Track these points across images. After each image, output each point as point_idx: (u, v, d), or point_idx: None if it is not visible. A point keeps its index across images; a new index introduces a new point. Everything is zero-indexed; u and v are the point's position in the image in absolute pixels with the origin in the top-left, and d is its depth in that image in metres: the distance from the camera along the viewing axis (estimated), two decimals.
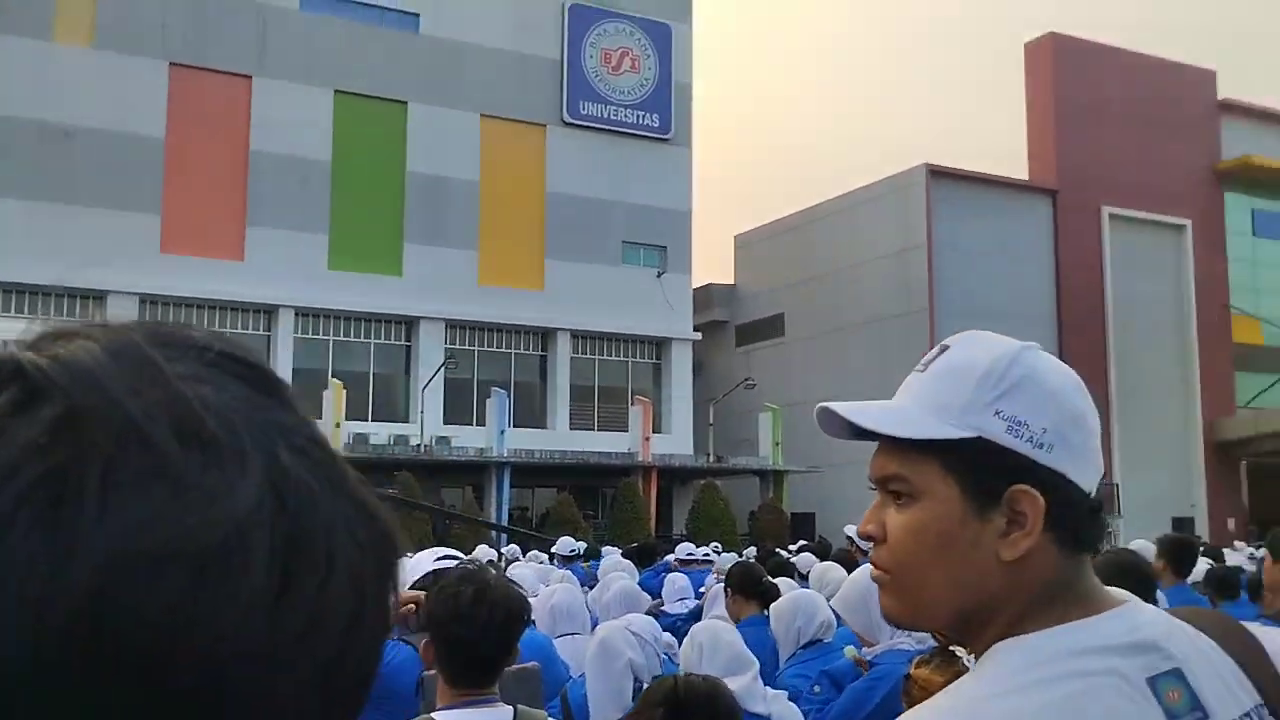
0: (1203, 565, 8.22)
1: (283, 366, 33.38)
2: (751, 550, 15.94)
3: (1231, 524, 40.93)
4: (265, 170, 33.69)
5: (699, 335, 40.84)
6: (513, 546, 18.64)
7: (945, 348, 1.21)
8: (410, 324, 35.73)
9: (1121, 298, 42.45)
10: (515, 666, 2.90)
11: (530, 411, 37.00)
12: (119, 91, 31.78)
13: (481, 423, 34.46)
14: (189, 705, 0.40)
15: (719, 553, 13.99)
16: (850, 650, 4.12)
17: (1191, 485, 42.82)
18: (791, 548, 15.63)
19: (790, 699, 4.33)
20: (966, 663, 1.95)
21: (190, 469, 0.41)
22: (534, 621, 5.42)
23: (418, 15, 36.62)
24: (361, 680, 0.48)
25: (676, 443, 37.79)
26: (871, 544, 1.21)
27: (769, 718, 3.32)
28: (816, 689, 4.10)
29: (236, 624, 0.41)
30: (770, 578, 5.88)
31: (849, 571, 5.43)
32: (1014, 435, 1.12)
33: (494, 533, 28.14)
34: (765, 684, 4.57)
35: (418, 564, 4.10)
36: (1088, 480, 1.15)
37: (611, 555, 11.75)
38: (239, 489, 0.42)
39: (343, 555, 0.46)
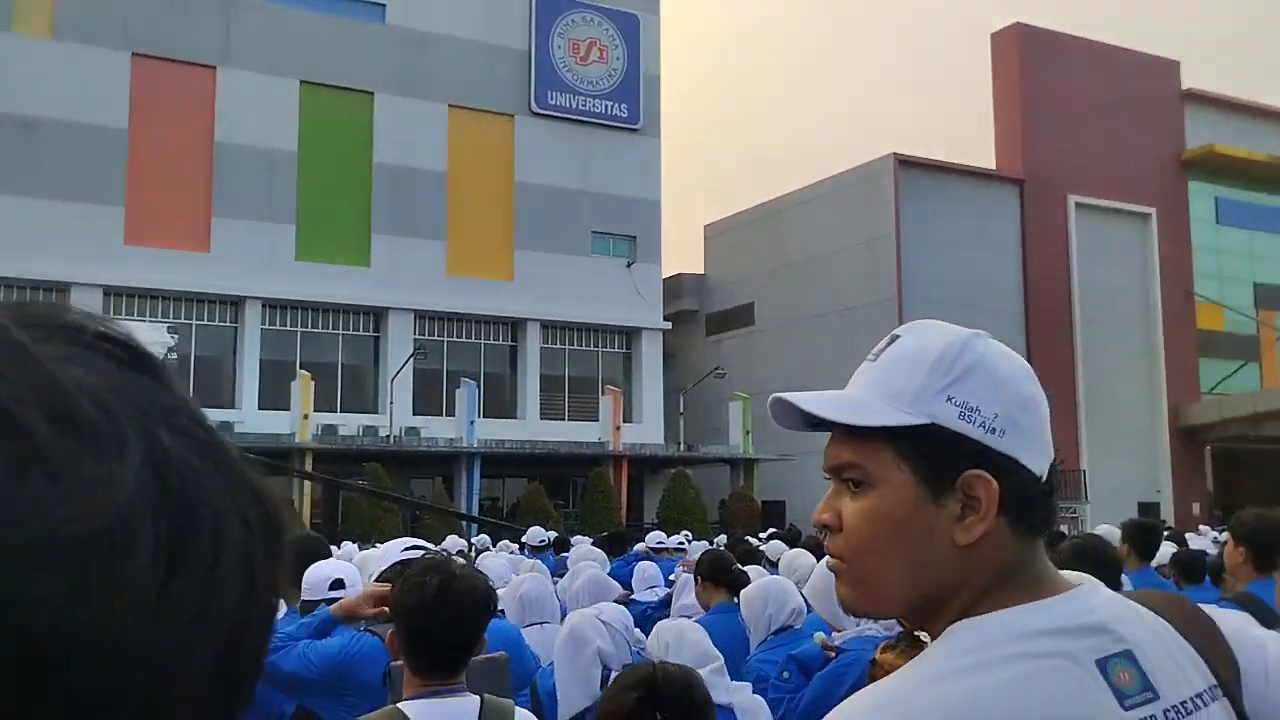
0: (1168, 549, 8.31)
1: (250, 358, 33.21)
2: (722, 538, 15.99)
3: (1196, 508, 41.44)
4: (231, 161, 33.39)
5: (669, 325, 40.86)
6: (483, 537, 18.61)
7: (895, 337, 1.22)
8: (379, 315, 35.55)
9: (1088, 286, 42.81)
10: (482, 656, 2.89)
11: (500, 402, 36.93)
12: (81, 82, 31.40)
13: (451, 413, 34.36)
14: (78, 705, 0.39)
15: (690, 541, 14.00)
16: (819, 636, 4.13)
17: (1157, 471, 43.28)
18: (762, 535, 15.68)
19: (759, 683, 4.34)
20: None
21: (66, 455, 0.39)
22: (503, 612, 5.41)
23: (384, 5, 36.38)
24: (255, 661, 0.47)
25: (647, 432, 37.83)
26: (827, 533, 1.21)
27: (731, 708, 3.32)
28: (785, 675, 4.10)
29: (123, 617, 0.39)
30: (740, 565, 5.89)
31: (818, 559, 5.45)
32: (966, 421, 1.13)
33: (464, 523, 28.08)
34: (735, 670, 4.58)
35: (385, 554, 4.09)
36: (1039, 464, 1.15)
37: (582, 544, 11.74)
38: (118, 475, 0.41)
39: (231, 538, 0.44)
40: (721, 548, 9.34)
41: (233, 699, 0.45)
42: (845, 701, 1.11)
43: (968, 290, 40.30)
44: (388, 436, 32.40)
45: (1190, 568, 6.91)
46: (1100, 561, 3.80)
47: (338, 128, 35.20)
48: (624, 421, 35.70)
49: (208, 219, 33.14)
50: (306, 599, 4.16)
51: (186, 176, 32.95)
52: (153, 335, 25.97)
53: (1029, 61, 42.49)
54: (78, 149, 31.25)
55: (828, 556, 1.24)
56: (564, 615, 5.43)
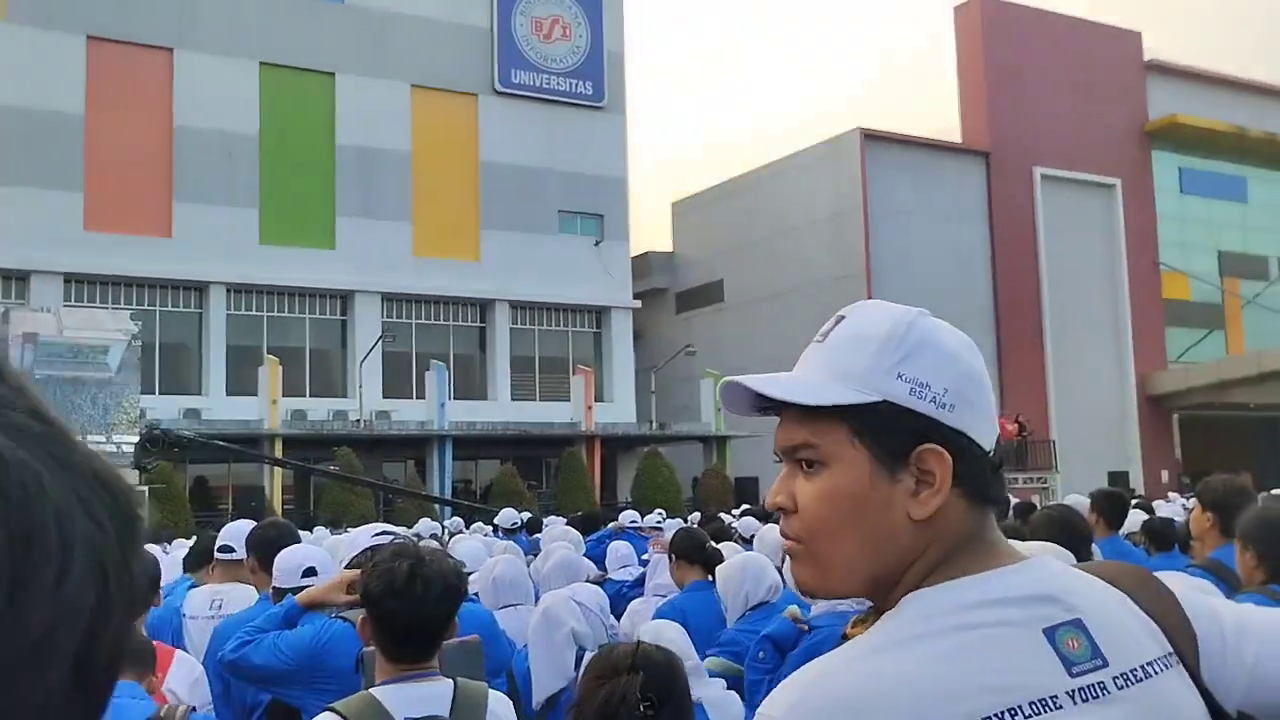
0: (1138, 517, 8.38)
1: (216, 344, 32.93)
2: (695, 516, 16.01)
3: (1165, 476, 41.95)
4: (191, 145, 33.01)
5: (639, 303, 40.83)
6: (456, 519, 18.59)
7: (841, 318, 1.24)
8: (345, 298, 35.32)
9: (1054, 257, 43.12)
10: (455, 640, 2.88)
11: (470, 383, 36.82)
12: (35, 66, 30.92)
13: (421, 396, 34.23)
14: None
15: (664, 519, 14.02)
16: (791, 610, 4.13)
17: (1126, 439, 43.74)
18: (735, 512, 15.71)
19: (737, 655, 4.34)
20: None
21: None
22: (477, 595, 5.39)
23: None
24: (114, 659, 0.45)
25: (619, 411, 37.85)
26: (782, 515, 1.22)
27: (700, 703, 3.30)
28: (761, 655, 4.11)
29: None
30: (713, 543, 5.88)
31: None
32: (917, 397, 1.15)
33: (437, 506, 28.03)
34: (710, 643, 4.59)
35: (355, 540, 4.06)
36: (987, 438, 1.18)
37: (555, 525, 11.73)
38: None
39: (80, 538, 0.42)
40: (694, 525, 9.35)
41: (92, 700, 0.44)
42: (785, 680, 1.11)
43: (936, 263, 40.52)
44: (358, 421, 32.25)
45: (1160, 535, 6.99)
46: (1071, 532, 3.82)
47: (299, 109, 34.86)
48: (595, 401, 35.69)
49: (169, 204, 32.77)
50: (278, 586, 4.12)
51: (146, 161, 32.54)
52: (117, 323, 25.62)
53: (992, 34, 42.62)
54: (34, 134, 30.79)
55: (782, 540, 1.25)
56: (538, 597, 5.41)
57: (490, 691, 2.82)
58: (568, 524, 11.46)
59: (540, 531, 12.18)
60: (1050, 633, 1.09)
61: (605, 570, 8.23)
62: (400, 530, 5.16)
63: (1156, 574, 1.29)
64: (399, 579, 2.70)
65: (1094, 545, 4.78)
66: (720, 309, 44.89)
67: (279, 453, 29.80)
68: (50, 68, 31.25)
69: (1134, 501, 12.17)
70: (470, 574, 5.77)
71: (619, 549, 8.58)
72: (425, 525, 14.50)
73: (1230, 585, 3.41)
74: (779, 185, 43.12)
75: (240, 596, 4.77)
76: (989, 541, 1.17)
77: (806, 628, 3.99)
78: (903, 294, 39.00)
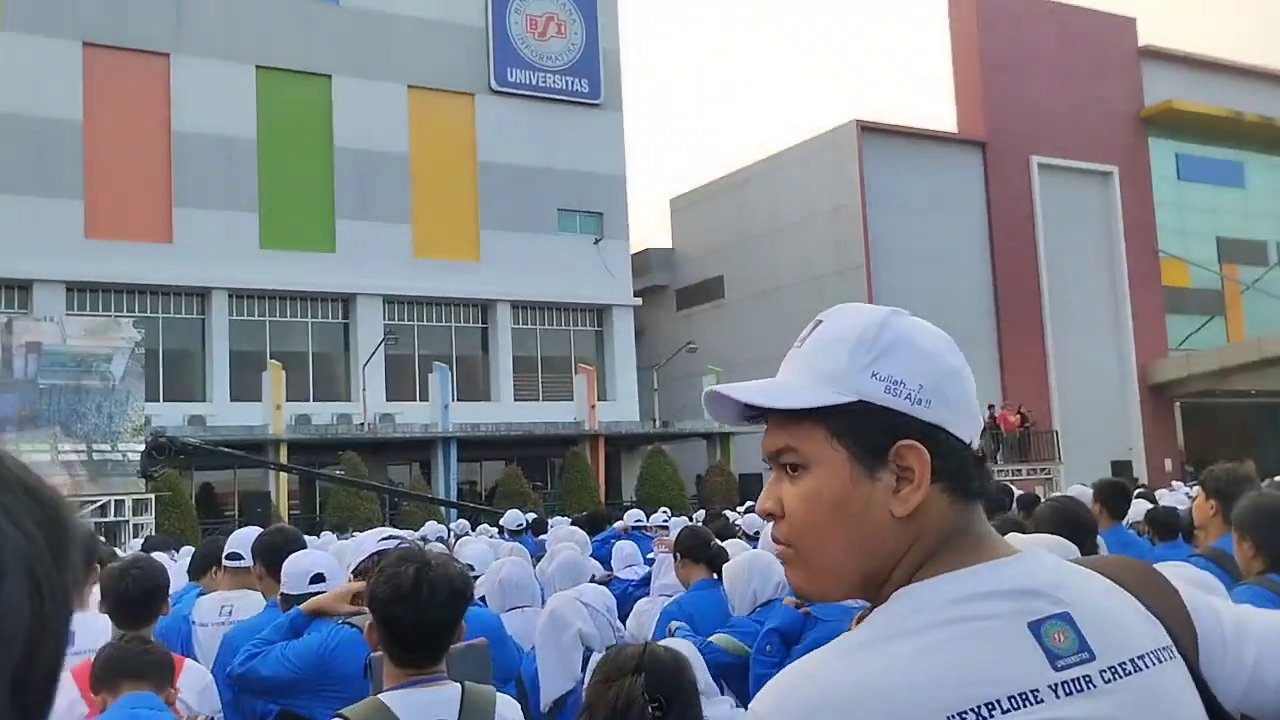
0: (1142, 507, 8.38)
1: (219, 350, 32.93)
2: (700, 514, 16.02)
3: (1168, 465, 41.89)
4: (189, 150, 32.99)
5: (639, 301, 40.79)
6: (462, 521, 18.60)
7: (819, 322, 1.26)
8: (347, 301, 35.32)
9: (1053, 245, 43.07)
10: (462, 643, 2.89)
11: (473, 385, 36.82)
12: (31, 74, 30.90)
13: (425, 398, 34.23)
14: None
15: (670, 517, 14.01)
16: (790, 600, 4.14)
17: (1128, 428, 43.69)
18: (740, 509, 15.72)
19: (746, 636, 4.35)
20: None
21: None
22: (484, 598, 5.40)
23: None
24: (53, 673, 0.44)
25: (622, 410, 37.83)
26: (772, 520, 1.24)
27: None
28: (768, 648, 4.12)
29: None
30: (717, 541, 5.89)
31: None
32: (892, 394, 1.16)
33: (443, 508, 28.05)
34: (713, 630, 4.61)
35: (362, 545, 4.07)
36: (968, 432, 1.19)
37: (561, 526, 11.74)
38: None
39: (13, 554, 0.42)
40: (699, 523, 9.36)
41: (30, 716, 0.43)
42: (774, 677, 1.13)
43: (935, 254, 40.49)
44: (362, 424, 32.25)
45: (1164, 525, 6.99)
46: (1076, 524, 3.83)
47: (296, 112, 34.84)
48: (598, 400, 35.67)
49: (169, 209, 32.75)
50: (287, 593, 4.14)
51: (145, 167, 32.53)
52: (121, 331, 25.66)
53: (986, 23, 42.57)
54: (31, 142, 30.78)
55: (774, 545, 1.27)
56: (544, 599, 5.42)
57: (499, 695, 2.84)
58: (573, 524, 11.47)
59: (545, 532, 12.19)
60: (1036, 626, 1.10)
61: (611, 570, 8.26)
62: (406, 534, 5.17)
63: (1158, 567, 1.31)
64: (405, 584, 2.71)
65: (1098, 536, 4.78)
66: (720, 305, 44.87)
67: (284, 458, 29.81)
68: (47, 75, 31.23)
69: (1137, 491, 12.18)
70: (477, 577, 5.79)
71: (624, 549, 8.60)
72: (431, 528, 14.50)
73: (1234, 575, 3.42)
74: (776, 179, 43.08)
75: (250, 603, 4.79)
76: (976, 535, 1.18)
77: (807, 612, 4.00)
78: (903, 286, 39.16)
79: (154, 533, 20.43)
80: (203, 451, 27.02)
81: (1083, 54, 44.37)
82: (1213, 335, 46.00)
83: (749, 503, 18.84)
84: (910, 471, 1.15)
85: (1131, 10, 63.07)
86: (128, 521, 23.60)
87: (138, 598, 3.68)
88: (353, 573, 3.96)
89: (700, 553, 5.48)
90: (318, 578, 4.13)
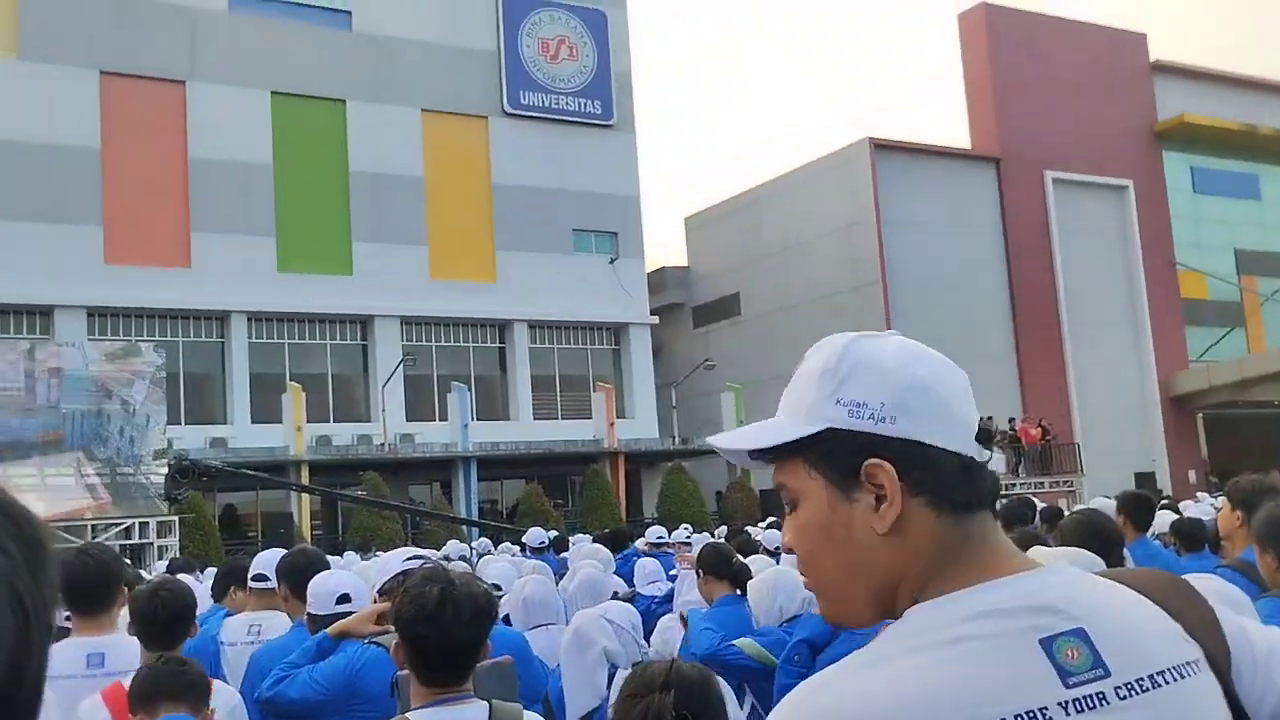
0: (1167, 518, 8.33)
1: (239, 373, 33.10)
2: (722, 530, 15.99)
3: (1192, 476, 41.66)
4: (206, 175, 33.24)
5: (656, 319, 40.84)
6: (484, 540, 18.61)
7: (805, 359, 1.29)
8: (365, 323, 35.47)
9: (1070, 260, 42.97)
10: (488, 661, 2.90)
11: (492, 404, 36.89)
12: (49, 103, 31.20)
13: (444, 418, 34.32)
14: None
15: (691, 534, 13.99)
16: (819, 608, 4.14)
17: (1151, 441, 43.47)
18: (761, 525, 15.68)
19: (772, 645, 4.35)
20: None
21: None
22: (508, 617, 5.41)
23: (349, 12, 36.19)
24: (38, 685, 0.45)
25: (641, 427, 37.84)
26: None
27: None
28: (796, 658, 4.12)
29: None
30: (740, 557, 5.89)
31: None
32: (856, 417, 1.18)
33: (464, 527, 28.10)
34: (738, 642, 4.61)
35: (386, 565, 4.09)
36: (949, 440, 1.19)
37: (583, 544, 11.73)
38: None
39: None
40: (721, 540, 9.35)
41: None
42: (789, 693, 1.14)
43: (950, 270, 40.45)
44: (382, 445, 32.35)
45: (1189, 536, 6.95)
46: (1101, 536, 3.81)
47: (311, 137, 35.08)
48: (617, 418, 35.71)
49: (187, 234, 32.98)
50: (314, 613, 4.16)
51: (163, 193, 32.78)
52: (144, 356, 25.82)
53: (996, 40, 42.63)
54: (51, 170, 31.06)
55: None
56: (567, 617, 5.43)
57: (525, 713, 2.85)
58: (595, 542, 11.47)
59: (566, 550, 12.19)
60: (1047, 643, 1.09)
61: (634, 587, 8.25)
62: (430, 553, 5.19)
63: (1187, 578, 1.29)
64: (430, 604, 2.72)
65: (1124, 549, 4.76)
66: (737, 322, 44.88)
67: (305, 479, 29.92)
68: (65, 104, 31.53)
69: (1162, 502, 12.11)
70: (501, 596, 5.80)
71: (646, 565, 8.60)
72: (453, 547, 14.53)
73: (1261, 586, 3.40)
74: (791, 197, 43.13)
75: (278, 623, 4.82)
76: (984, 550, 1.17)
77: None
78: (919, 302, 39.08)
79: (178, 554, 20.49)
80: (225, 474, 27.16)
81: (1095, 69, 44.37)
82: (1233, 347, 45.78)
83: (770, 518, 18.80)
84: (882, 488, 1.16)
85: (1142, 26, 63.05)
86: (152, 544, 23.70)
87: (167, 619, 3.71)
88: (378, 592, 3.99)
89: (723, 569, 5.48)
90: (344, 598, 4.15)
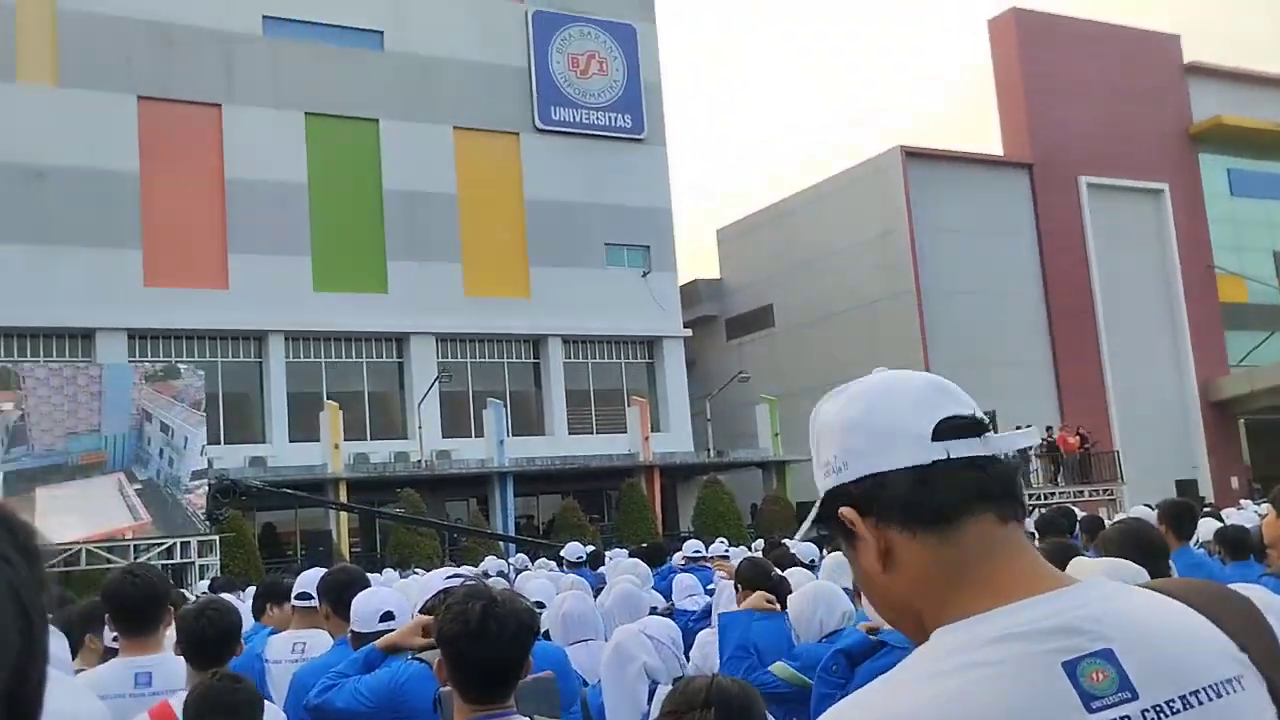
0: (1211, 526, 8.24)
1: (277, 392, 33.39)
2: (759, 543, 15.95)
3: (1235, 482, 41.11)
4: (242, 197, 33.59)
5: (689, 332, 40.83)
6: (521, 556, 18.65)
7: None
8: (400, 340, 35.68)
9: (1106, 265, 42.62)
10: (529, 677, 2.92)
11: (527, 419, 36.99)
12: (89, 128, 31.64)
13: (480, 434, 34.44)
14: None
15: (728, 547, 13.96)
16: (864, 624, 4.14)
17: (1192, 447, 42.98)
18: (797, 538, 15.61)
19: (807, 668, 4.34)
20: None
21: None
22: (547, 632, 5.43)
23: (381, 32, 36.52)
24: (41, 686, 0.46)
25: (676, 440, 37.81)
26: None
27: None
28: (834, 667, 4.11)
29: None
30: (778, 570, 5.88)
31: None
32: (825, 475, 1.25)
33: (502, 543, 28.17)
34: (775, 657, 4.59)
35: (428, 584, 4.14)
36: (895, 459, 1.18)
37: (621, 557, 11.74)
38: None
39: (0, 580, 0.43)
40: (758, 553, 9.33)
41: None
42: (830, 708, 1.16)
43: (985, 278, 40.23)
44: (419, 461, 32.50)
45: (1234, 544, 6.86)
46: (1146, 545, 3.77)
47: (345, 157, 35.38)
48: (652, 431, 35.70)
49: (224, 256, 33.33)
50: (357, 630, 4.20)
51: (201, 215, 33.15)
52: (184, 378, 26.12)
53: (1028, 45, 42.42)
54: (91, 195, 31.47)
55: None
56: (606, 632, 5.44)
57: None
58: (633, 556, 11.46)
59: (603, 565, 12.19)
60: (1071, 666, 1.07)
61: (671, 602, 8.25)
62: (469, 570, 5.22)
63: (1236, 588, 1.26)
64: (473, 620, 2.74)
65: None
66: (771, 334, 44.80)
67: (344, 496, 30.10)
68: (103, 129, 31.96)
69: (1204, 510, 11.97)
70: (541, 612, 5.82)
71: (684, 580, 8.59)
72: (491, 563, 14.56)
73: None
74: (823, 207, 43.06)
75: (321, 641, 4.87)
76: (994, 566, 1.16)
77: (876, 638, 3.99)
78: (953, 311, 38.86)
79: (219, 574, 20.68)
80: (266, 493, 27.41)
81: (1127, 73, 44.05)
82: (1274, 351, 45.16)
83: None
84: (855, 528, 1.20)
85: (1175, 28, 62.50)
86: (193, 563, 23.93)
87: (214, 638, 3.76)
88: (419, 611, 4.02)
89: (761, 583, 5.48)
90: (387, 615, 4.19)
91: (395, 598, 4.44)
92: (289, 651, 5.10)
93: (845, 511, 1.20)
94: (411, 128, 36.19)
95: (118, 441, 24.60)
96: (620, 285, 38.30)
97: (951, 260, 39.94)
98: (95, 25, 32.22)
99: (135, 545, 23.94)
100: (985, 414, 1.25)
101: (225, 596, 6.19)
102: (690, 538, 17.57)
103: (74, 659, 4.43)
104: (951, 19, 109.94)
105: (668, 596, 8.50)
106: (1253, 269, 45.62)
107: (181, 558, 23.99)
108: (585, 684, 4.75)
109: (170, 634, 4.04)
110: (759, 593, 4.61)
